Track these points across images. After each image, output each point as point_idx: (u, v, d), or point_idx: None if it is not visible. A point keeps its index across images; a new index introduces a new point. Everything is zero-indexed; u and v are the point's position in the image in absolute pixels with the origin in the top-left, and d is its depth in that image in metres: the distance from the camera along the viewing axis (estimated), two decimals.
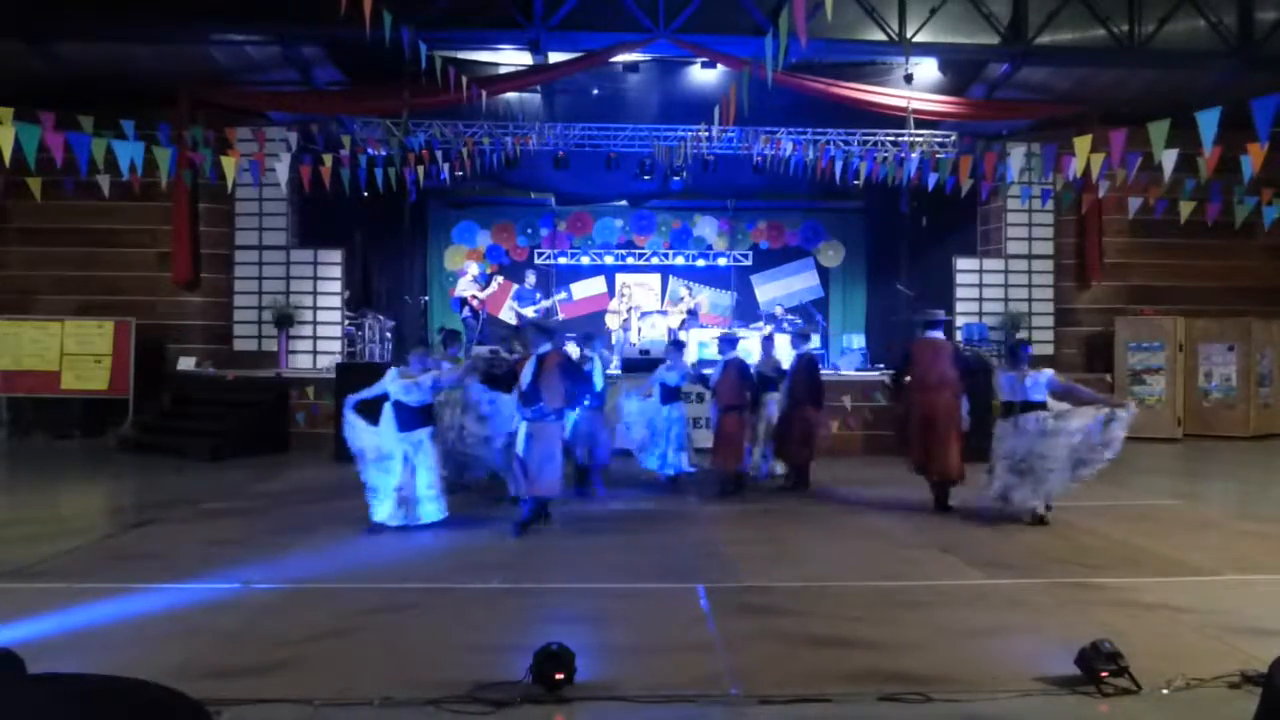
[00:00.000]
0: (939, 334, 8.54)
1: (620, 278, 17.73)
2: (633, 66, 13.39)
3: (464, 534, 7.01)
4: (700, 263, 18.22)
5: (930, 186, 12.70)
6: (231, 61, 12.85)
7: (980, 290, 14.98)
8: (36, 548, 6.41)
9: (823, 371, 13.39)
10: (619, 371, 12.01)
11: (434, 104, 12.93)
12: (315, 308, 14.15)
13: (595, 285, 18.24)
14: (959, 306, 14.76)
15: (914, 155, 13.35)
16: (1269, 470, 11.37)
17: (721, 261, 18.20)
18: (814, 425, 9.27)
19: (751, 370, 9.15)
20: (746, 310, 17.70)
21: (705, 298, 17.96)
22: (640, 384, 9.69)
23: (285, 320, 13.80)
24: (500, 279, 17.13)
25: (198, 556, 6.23)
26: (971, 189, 12.34)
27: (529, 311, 14.65)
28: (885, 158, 14.13)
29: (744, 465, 8.99)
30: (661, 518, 7.81)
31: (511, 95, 14.19)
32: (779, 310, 15.62)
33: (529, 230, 18.12)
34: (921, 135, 14.37)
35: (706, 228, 18.42)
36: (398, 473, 7.05)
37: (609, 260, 18.16)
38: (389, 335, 14.99)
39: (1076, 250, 14.91)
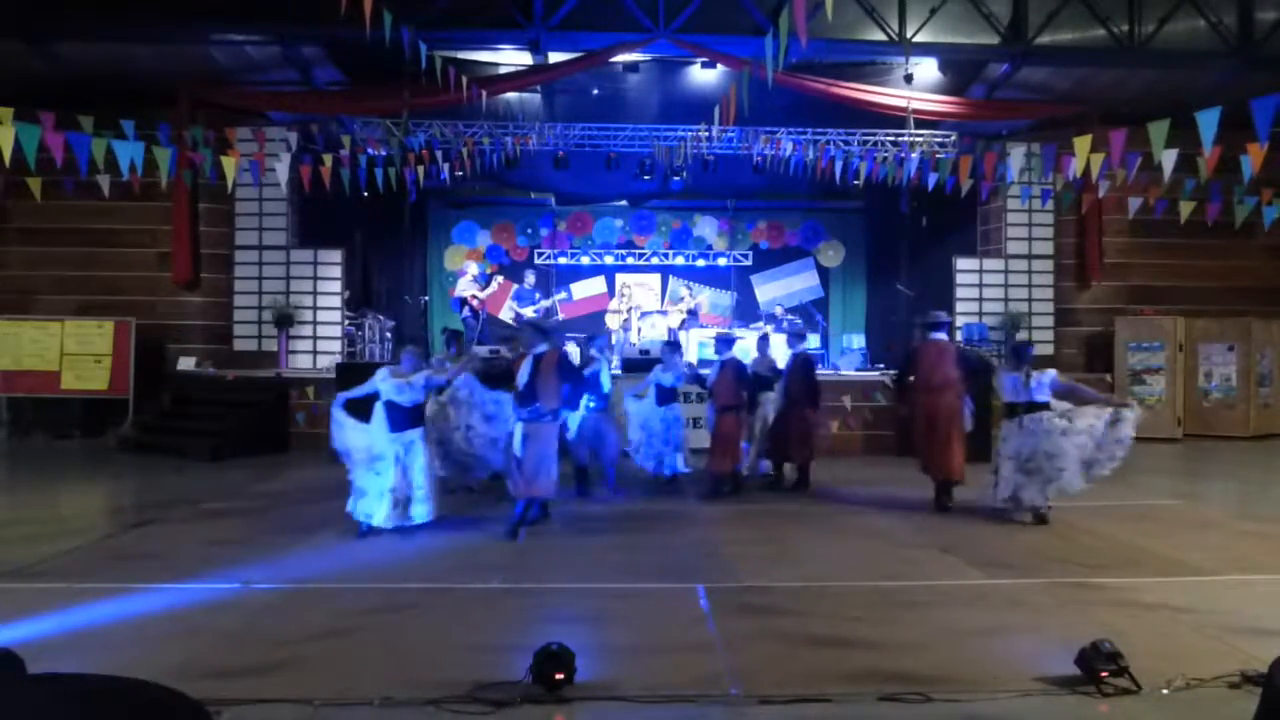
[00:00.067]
0: (942, 335, 8.57)
1: (620, 278, 17.74)
2: (633, 66, 13.39)
3: (464, 534, 7.01)
4: (700, 263, 18.22)
5: (930, 186, 12.70)
6: (231, 61, 12.85)
7: (980, 290, 14.98)
8: (36, 548, 6.41)
9: (823, 371, 13.47)
10: (619, 372, 12.01)
11: (434, 104, 12.93)
12: (315, 308, 14.15)
13: (595, 285, 18.24)
14: (959, 306, 14.76)
15: (914, 155, 13.35)
16: (1269, 470, 11.37)
17: (721, 261, 18.20)
18: (812, 425, 9.28)
19: (749, 370, 9.15)
20: (746, 310, 17.71)
21: (705, 298, 17.96)
22: (639, 384, 9.67)
23: (285, 320, 13.80)
24: (500, 279, 17.14)
25: (198, 556, 6.23)
26: (971, 189, 12.34)
27: (528, 311, 14.65)
28: (885, 158, 14.13)
29: (740, 466, 8.99)
30: (661, 518, 7.80)
31: (511, 95, 14.19)
32: (779, 310, 15.63)
33: (529, 230, 18.12)
34: (921, 135, 14.37)
35: (706, 228, 18.42)
36: (390, 474, 6.95)
37: (609, 260, 18.16)
38: (389, 335, 14.99)
39: (1076, 250, 14.91)
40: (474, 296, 14.93)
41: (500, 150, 14.35)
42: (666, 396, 9.13)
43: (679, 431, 9.22)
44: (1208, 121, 7.09)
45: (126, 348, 12.88)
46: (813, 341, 15.33)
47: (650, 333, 14.90)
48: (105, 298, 13.53)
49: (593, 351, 8.98)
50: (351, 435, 7.01)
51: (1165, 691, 3.83)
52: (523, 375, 6.99)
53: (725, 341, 9.31)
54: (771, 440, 9.29)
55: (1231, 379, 13.97)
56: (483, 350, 11.83)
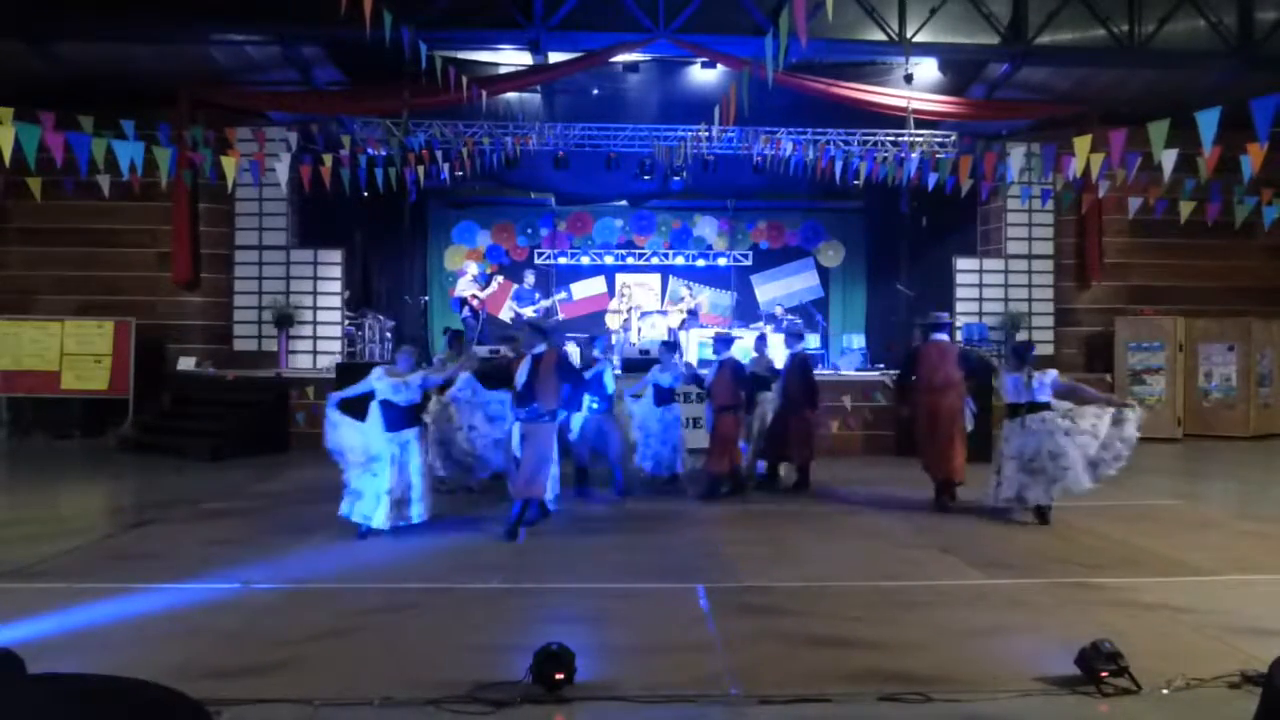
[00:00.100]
0: (943, 336, 8.61)
1: (620, 278, 17.74)
2: (633, 66, 13.39)
3: (464, 534, 7.01)
4: (700, 263, 18.22)
5: (930, 186, 12.69)
6: (231, 61, 12.85)
7: (980, 290, 14.98)
8: (36, 548, 6.41)
9: (823, 372, 13.48)
10: (618, 372, 12.00)
11: (434, 104, 12.93)
12: (315, 308, 14.15)
13: (595, 285, 18.24)
14: (959, 306, 14.76)
15: (914, 155, 13.35)
16: (1269, 470, 11.37)
17: (721, 261, 18.20)
18: (811, 425, 9.27)
19: (747, 370, 9.13)
20: (746, 310, 17.71)
21: (705, 298, 17.96)
22: (636, 385, 9.64)
23: (285, 320, 13.80)
24: (500, 279, 17.14)
25: (198, 556, 6.23)
26: (971, 189, 12.34)
27: (528, 311, 14.65)
28: (885, 158, 14.13)
29: (740, 466, 8.98)
30: (661, 518, 7.80)
31: (511, 95, 14.19)
32: (779, 310, 15.62)
33: (529, 230, 18.12)
34: (921, 135, 14.37)
35: (706, 228, 18.42)
36: (386, 475, 6.88)
37: (609, 260, 18.16)
38: (389, 335, 14.99)
39: (1076, 250, 14.92)
40: (474, 296, 14.93)
41: (500, 150, 14.35)
42: (664, 397, 9.10)
43: (677, 432, 9.19)
44: (1208, 121, 7.08)
45: (126, 348, 12.88)
46: (813, 341, 15.34)
47: (650, 333, 14.90)
48: (105, 298, 13.53)
49: (596, 352, 8.95)
50: (346, 435, 6.94)
51: (1165, 691, 3.83)
52: (521, 375, 6.96)
53: (723, 341, 9.29)
54: (770, 440, 9.28)
55: (1231, 379, 13.97)
56: (482, 350, 11.83)
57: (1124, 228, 14.59)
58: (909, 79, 12.55)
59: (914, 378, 8.44)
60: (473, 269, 15.82)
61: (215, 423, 11.68)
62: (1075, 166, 9.35)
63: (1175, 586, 5.56)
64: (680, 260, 18.19)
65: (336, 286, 14.26)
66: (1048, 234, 15.04)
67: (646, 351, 12.24)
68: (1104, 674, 3.83)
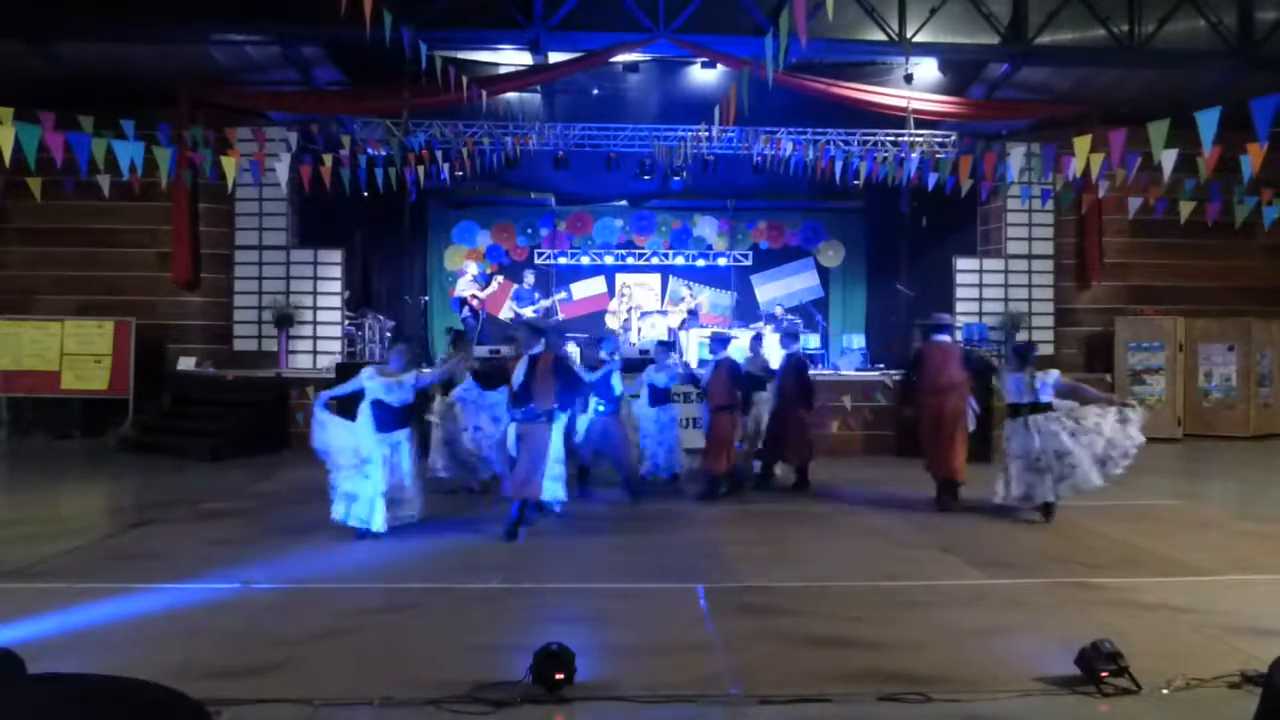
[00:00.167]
0: (946, 337, 8.63)
1: (620, 278, 17.73)
2: (633, 66, 13.39)
3: (464, 534, 7.00)
4: (700, 263, 18.22)
5: (930, 186, 12.69)
6: (231, 61, 12.85)
7: (980, 290, 14.98)
8: (36, 548, 6.41)
9: (823, 372, 13.49)
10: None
11: (434, 104, 12.93)
12: (315, 308, 14.15)
13: (595, 285, 18.23)
14: (959, 306, 14.75)
15: (914, 155, 13.35)
16: (1269, 470, 11.37)
17: (721, 261, 18.20)
18: (807, 425, 9.27)
19: (743, 370, 9.12)
20: (746, 310, 17.70)
21: (705, 298, 17.95)
22: (631, 385, 9.57)
23: (285, 320, 13.80)
24: (500, 279, 17.13)
25: (198, 556, 6.23)
26: (971, 189, 12.34)
27: (528, 312, 14.65)
28: (885, 158, 14.13)
29: (738, 466, 8.98)
30: (661, 518, 7.80)
31: (511, 95, 14.19)
32: (779, 310, 15.62)
33: (529, 230, 18.12)
34: (921, 135, 14.37)
35: (706, 228, 18.42)
36: (380, 477, 6.77)
37: (609, 260, 18.15)
38: (389, 335, 14.99)
39: (1076, 250, 14.92)
40: (474, 296, 14.93)
41: (500, 150, 14.35)
42: (660, 397, 9.04)
43: (673, 432, 9.14)
44: (1208, 121, 7.09)
45: (126, 348, 12.88)
46: (813, 341, 15.34)
47: (650, 333, 14.90)
48: (105, 298, 13.53)
49: (602, 354, 8.85)
50: (336, 435, 6.85)
51: (1165, 691, 3.83)
52: (518, 376, 6.92)
53: (720, 341, 9.25)
54: (767, 441, 9.27)
55: (1231, 379, 13.97)
56: (482, 350, 11.83)
57: (1124, 228, 14.59)
58: (909, 79, 12.55)
59: (917, 379, 8.45)
60: (473, 269, 15.82)
61: (215, 423, 11.68)
62: (1075, 166, 9.35)
63: (1175, 586, 5.56)
64: (680, 260, 18.19)
65: (336, 286, 14.26)
66: (1048, 234, 15.04)
67: (646, 352, 12.24)
68: (1104, 674, 3.83)
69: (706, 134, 13.64)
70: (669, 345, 9.84)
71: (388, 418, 6.90)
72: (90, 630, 4.62)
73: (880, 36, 12.21)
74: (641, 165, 15.10)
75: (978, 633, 4.68)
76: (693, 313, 15.98)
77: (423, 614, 4.99)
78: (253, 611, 5.03)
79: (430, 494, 8.26)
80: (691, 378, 9.30)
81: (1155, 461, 11.16)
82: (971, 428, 8.38)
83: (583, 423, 8.42)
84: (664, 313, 16.11)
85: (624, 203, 18.00)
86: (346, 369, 11.36)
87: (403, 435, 7.01)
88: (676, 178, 15.44)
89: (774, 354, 10.04)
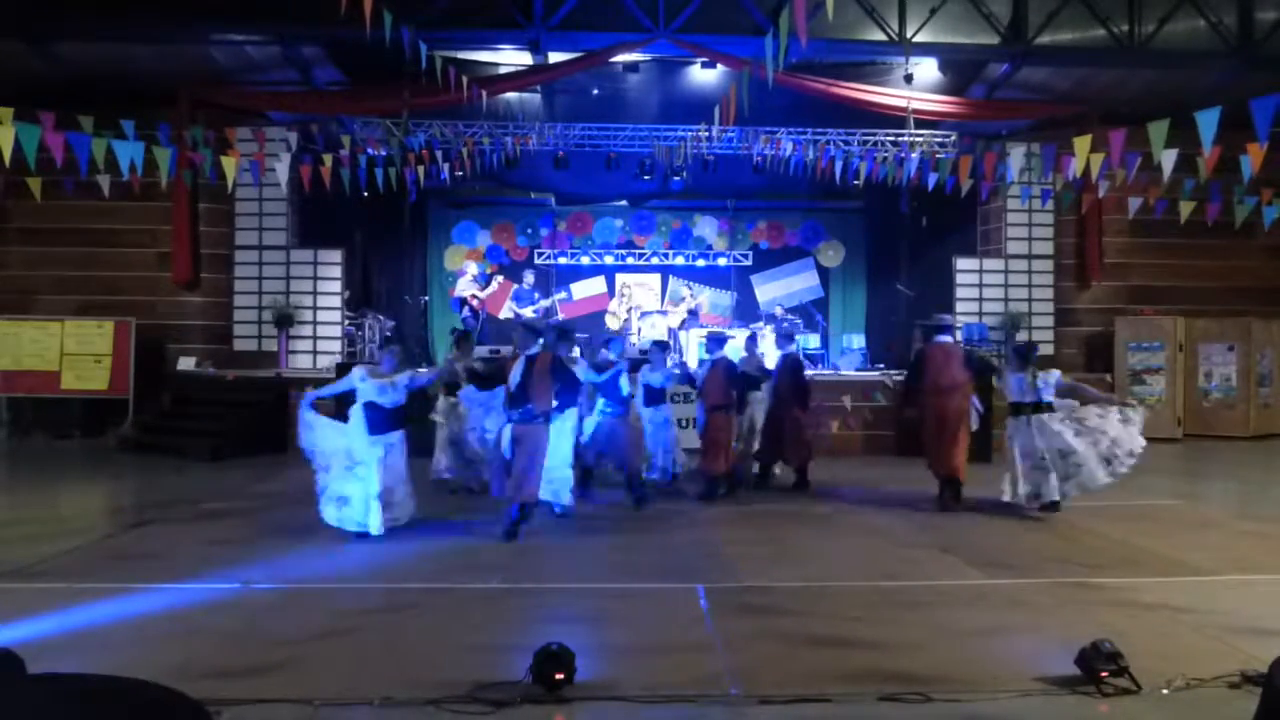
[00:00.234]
0: (948, 338, 8.65)
1: (620, 278, 17.72)
2: (633, 66, 13.39)
3: (463, 534, 7.00)
4: (700, 263, 18.20)
5: (930, 186, 12.69)
6: (231, 61, 12.85)
7: (980, 290, 14.98)
8: (36, 548, 6.41)
9: (823, 371, 13.49)
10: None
11: (434, 104, 12.93)
12: (315, 308, 14.15)
13: (595, 285, 18.22)
14: (959, 306, 14.75)
15: (914, 155, 13.35)
16: (1269, 470, 11.37)
17: (721, 261, 18.19)
18: (802, 426, 9.26)
19: (739, 369, 9.10)
20: (747, 310, 17.69)
21: (706, 298, 17.95)
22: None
23: (285, 320, 13.80)
24: (500, 279, 17.13)
25: (198, 556, 6.23)
26: (971, 189, 12.33)
27: (527, 312, 14.64)
28: (885, 158, 14.12)
29: (737, 467, 8.96)
30: (661, 518, 7.80)
31: (511, 95, 14.19)
32: (779, 310, 15.62)
33: (529, 230, 18.11)
34: (921, 135, 14.37)
35: (706, 228, 18.41)
36: (374, 479, 6.68)
37: (609, 260, 18.14)
38: (389, 335, 14.99)
39: (1076, 250, 14.91)
40: (474, 296, 14.93)
41: (500, 150, 14.35)
42: (655, 397, 8.94)
43: (667, 433, 9.07)
44: (1207, 121, 7.08)
45: (126, 348, 12.88)
46: (813, 341, 15.34)
47: (650, 333, 14.89)
48: (105, 298, 13.53)
49: (610, 354, 8.80)
50: (326, 436, 6.76)
51: (1165, 691, 3.83)
52: (515, 376, 6.86)
53: (716, 340, 9.21)
54: (765, 442, 9.26)
55: (1231, 379, 13.97)
56: (482, 350, 11.82)
57: (1124, 228, 14.59)
58: (909, 79, 12.54)
59: (920, 380, 8.46)
60: (473, 269, 15.82)
61: (215, 423, 11.69)
62: (1075, 166, 9.35)
63: (1175, 586, 5.56)
64: (680, 260, 18.17)
65: (336, 286, 14.26)
66: (1048, 234, 15.04)
67: (646, 352, 12.23)
68: (1104, 674, 3.83)
69: (706, 134, 13.64)
70: (664, 345, 9.79)
71: (381, 419, 6.82)
72: (90, 630, 4.62)
73: (880, 36, 12.21)
74: (641, 165, 15.10)
75: (978, 633, 4.68)
76: (693, 313, 15.97)
77: (423, 614, 4.99)
78: (253, 611, 5.03)
79: (431, 494, 8.30)
80: (688, 378, 9.27)
81: (1155, 461, 11.13)
82: (975, 427, 8.42)
83: (590, 424, 8.33)
84: (664, 313, 16.10)
85: (624, 203, 17.99)
86: (346, 369, 11.34)
87: (397, 437, 6.94)
88: (676, 178, 15.43)
89: (770, 354, 10.02)
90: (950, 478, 8.15)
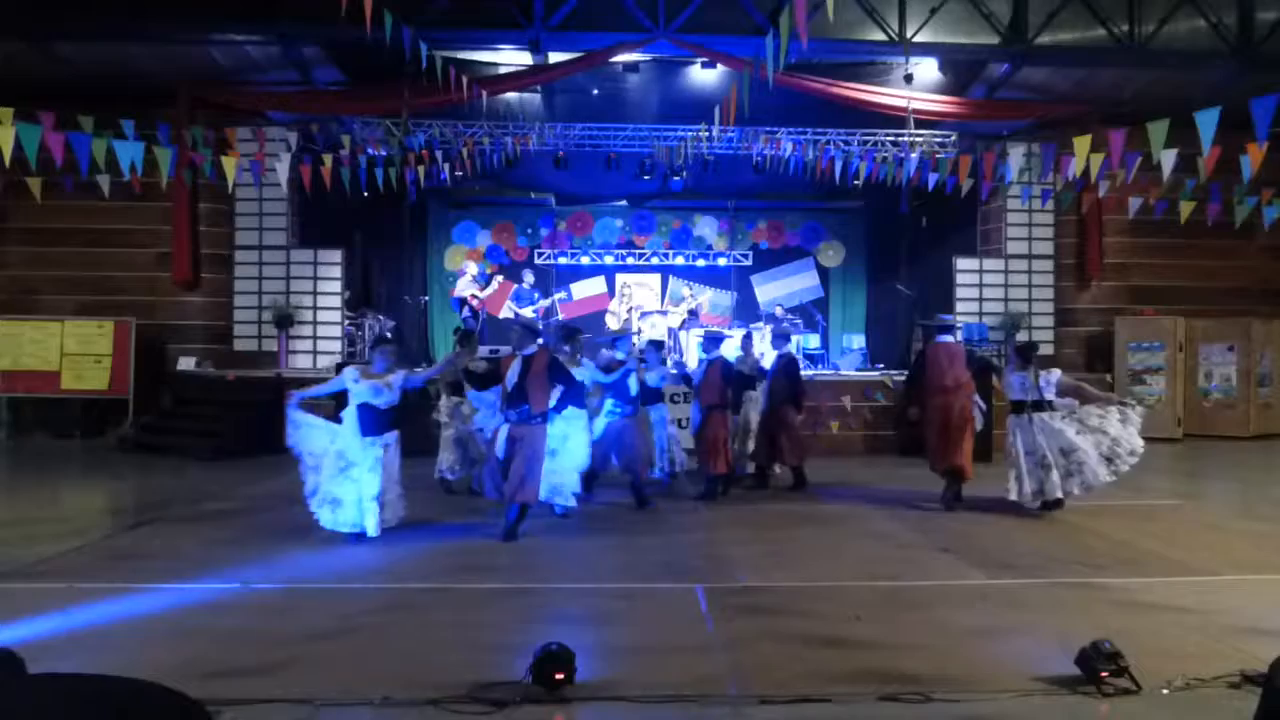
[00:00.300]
0: (950, 337, 8.67)
1: (620, 278, 17.71)
2: (633, 66, 13.38)
3: (464, 534, 7.00)
4: (700, 263, 18.20)
5: (930, 186, 12.69)
6: (231, 61, 12.84)
7: (980, 290, 14.99)
8: (36, 548, 6.41)
9: (823, 371, 13.49)
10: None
11: (434, 104, 12.92)
12: (315, 308, 14.15)
13: (595, 285, 18.21)
14: (959, 306, 14.76)
15: (914, 155, 13.35)
16: (1269, 470, 11.37)
17: (721, 261, 18.18)
18: (796, 426, 9.25)
19: (734, 369, 9.09)
20: (747, 310, 17.68)
21: (706, 298, 17.94)
22: None
23: (285, 320, 13.80)
24: (500, 279, 17.12)
25: (198, 556, 6.23)
26: (971, 189, 12.34)
27: (527, 312, 14.64)
28: (885, 158, 14.12)
29: (738, 468, 8.95)
30: (661, 518, 7.80)
31: (511, 95, 14.18)
32: (779, 310, 15.61)
33: (529, 230, 18.11)
34: (921, 135, 14.36)
35: (706, 228, 18.41)
36: (370, 480, 6.61)
37: (609, 260, 18.13)
38: (381, 335, 14.97)
39: (1076, 250, 14.91)
40: (474, 296, 14.92)
41: (500, 150, 14.34)
42: (651, 397, 8.89)
43: (663, 432, 9.07)
44: (1207, 121, 7.09)
45: (126, 348, 12.88)
46: (813, 341, 15.33)
47: (651, 333, 14.88)
48: (105, 298, 13.52)
49: (619, 354, 8.75)
50: (313, 436, 6.70)
51: (1165, 691, 3.83)
52: (511, 376, 6.82)
53: (713, 340, 9.21)
54: (762, 442, 9.26)
55: (1231, 379, 13.97)
56: (482, 350, 11.81)
57: (1124, 228, 14.59)
58: (909, 79, 12.54)
59: (922, 380, 8.47)
60: (472, 269, 15.80)
61: (215, 423, 11.69)
62: (1075, 166, 9.36)
63: (1176, 586, 5.56)
64: (680, 260, 18.17)
65: (336, 286, 14.26)
66: (1048, 234, 15.04)
67: (643, 352, 12.19)
68: (1104, 674, 3.83)
69: (706, 134, 13.63)
70: (659, 344, 9.77)
71: (376, 420, 6.73)
72: (90, 630, 4.62)
73: (880, 36, 12.20)
74: (641, 165, 15.09)
75: (978, 633, 4.68)
76: (693, 313, 15.96)
77: (422, 614, 4.99)
78: (253, 611, 5.03)
79: (432, 494, 8.30)
80: (685, 377, 9.26)
81: (1155, 461, 11.15)
82: (979, 427, 8.45)
83: (599, 425, 8.25)
84: (664, 313, 16.09)
85: (624, 203, 17.99)
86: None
87: (392, 439, 6.87)
88: (676, 178, 15.43)
89: (767, 354, 10.01)
90: (954, 471, 8.15)
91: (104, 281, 13.64)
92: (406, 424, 7.25)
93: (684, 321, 15.42)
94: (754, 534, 7.17)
